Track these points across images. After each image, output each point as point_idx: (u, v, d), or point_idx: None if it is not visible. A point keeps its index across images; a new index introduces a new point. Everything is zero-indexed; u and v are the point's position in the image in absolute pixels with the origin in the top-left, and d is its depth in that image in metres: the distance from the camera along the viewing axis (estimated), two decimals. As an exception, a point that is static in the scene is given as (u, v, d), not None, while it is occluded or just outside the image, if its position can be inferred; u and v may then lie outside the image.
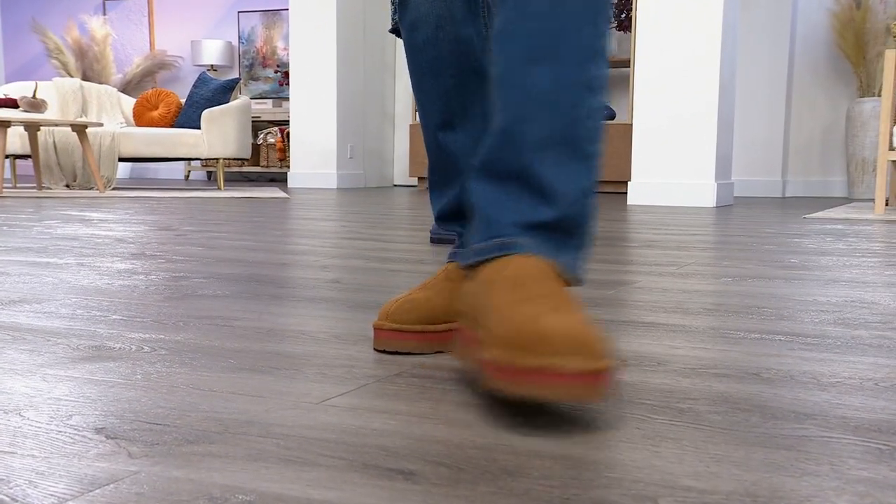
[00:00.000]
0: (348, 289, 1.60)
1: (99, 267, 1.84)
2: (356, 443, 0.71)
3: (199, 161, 9.55)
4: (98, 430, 0.72)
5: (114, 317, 1.26)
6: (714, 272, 1.89)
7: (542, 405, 0.83)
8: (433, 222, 2.55)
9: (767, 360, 1.04)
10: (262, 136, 8.98)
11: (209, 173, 9.84)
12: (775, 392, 0.89)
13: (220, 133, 5.99)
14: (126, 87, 9.53)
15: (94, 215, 3.47)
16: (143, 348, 1.06)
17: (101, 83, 9.35)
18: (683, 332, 1.21)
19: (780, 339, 1.16)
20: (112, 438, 0.70)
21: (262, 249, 2.27)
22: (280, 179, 9.62)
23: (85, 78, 9.40)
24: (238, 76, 9.66)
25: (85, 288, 1.54)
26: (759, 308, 1.42)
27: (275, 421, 0.77)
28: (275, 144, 8.88)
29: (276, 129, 8.96)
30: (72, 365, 0.96)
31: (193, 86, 6.45)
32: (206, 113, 5.96)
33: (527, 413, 0.81)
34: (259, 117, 8.99)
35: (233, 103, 6.13)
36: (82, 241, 2.42)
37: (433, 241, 2.51)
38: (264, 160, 8.91)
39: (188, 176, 9.55)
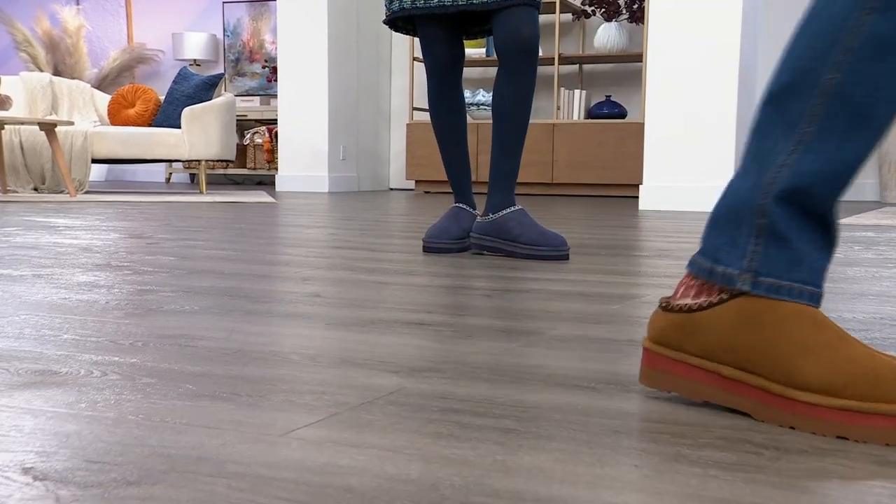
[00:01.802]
0: (329, 304, 1.57)
1: (57, 279, 1.81)
2: (318, 483, 0.68)
3: (180, 163, 9.53)
4: (25, 471, 0.69)
5: (65, 336, 1.23)
6: (730, 285, 1.86)
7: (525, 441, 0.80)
8: (427, 229, 2.52)
9: (785, 385, 1.01)
10: (248, 135, 8.97)
11: (192, 176, 9.82)
12: (792, 423, 0.86)
13: (201, 133, 5.97)
14: (101, 83, 9.52)
15: (61, 221, 3.44)
16: (92, 372, 1.02)
17: (73, 78, 9.34)
18: (693, 353, 1.17)
19: (799, 362, 1.13)
20: (40, 480, 0.67)
21: (240, 260, 2.25)
22: (268, 182, 9.60)
23: (56, 73, 9.39)
24: (222, 71, 9.65)
25: (38, 303, 1.51)
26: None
27: (230, 457, 0.74)
28: (262, 145, 8.86)
29: (263, 128, 8.94)
30: (8, 392, 0.93)
31: (174, 82, 6.44)
32: (186, 111, 5.94)
33: (507, 451, 0.77)
34: (245, 116, 8.98)
35: (216, 101, 6.11)
36: (43, 250, 2.39)
37: (427, 249, 2.48)
38: (251, 162, 8.90)
39: (169, 179, 9.54)
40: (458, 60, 2.48)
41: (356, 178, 7.87)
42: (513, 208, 2.37)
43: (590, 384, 1.01)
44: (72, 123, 5.27)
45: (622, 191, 7.01)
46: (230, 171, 8.96)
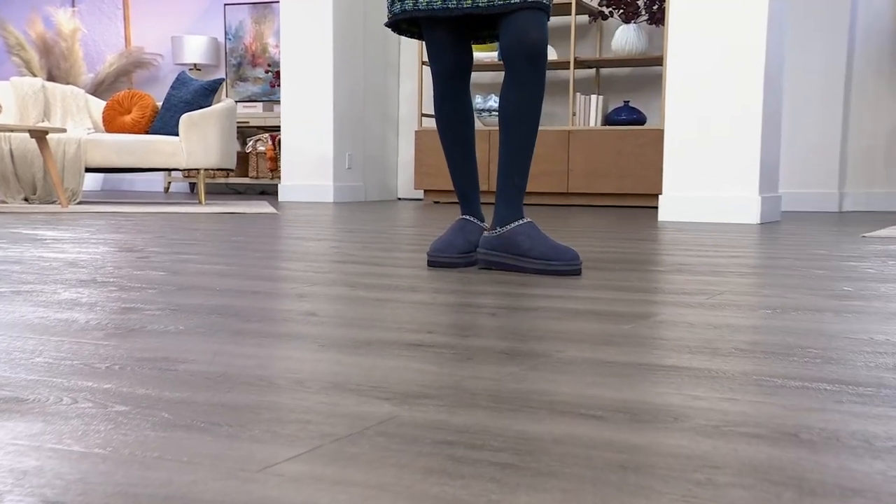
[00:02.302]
0: (324, 323, 1.54)
1: (37, 297, 1.79)
2: (293, 525, 0.65)
3: (179, 172, 9.54)
4: (-27, 511, 0.66)
5: (38, 360, 1.21)
6: (751, 303, 1.83)
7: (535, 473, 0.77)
8: (432, 242, 2.50)
9: (809, 416, 0.97)
10: (251, 143, 8.97)
11: (192, 185, 9.84)
12: (816, 459, 0.82)
13: (200, 140, 5.97)
14: (97, 89, 9.55)
15: (49, 234, 3.43)
16: (62, 399, 1.00)
17: (68, 84, 9.37)
18: (709, 377, 1.14)
19: (825, 389, 1.09)
20: (-11, 522, 0.64)
21: (234, 275, 2.22)
22: (271, 192, 9.60)
23: (50, 77, 9.42)
24: (223, 76, 9.67)
25: (12, 323, 1.49)
26: (802, 348, 1.35)
27: (200, 496, 0.71)
28: (265, 153, 8.86)
29: (266, 135, 8.95)
30: (-31, 422, 0.91)
31: (171, 87, 6.44)
32: (184, 118, 5.94)
33: (503, 490, 0.74)
34: (247, 123, 8.99)
35: (215, 107, 6.11)
36: (26, 264, 2.37)
37: (431, 264, 2.45)
38: (253, 171, 8.90)
39: (168, 188, 9.55)
40: (466, 65, 2.46)
41: (362, 187, 7.86)
42: (521, 221, 2.34)
43: (596, 412, 0.98)
44: (64, 131, 5.27)
45: (641, 201, 6.97)
46: (232, 180, 8.96)
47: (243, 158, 9.11)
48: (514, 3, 2.25)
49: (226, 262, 2.51)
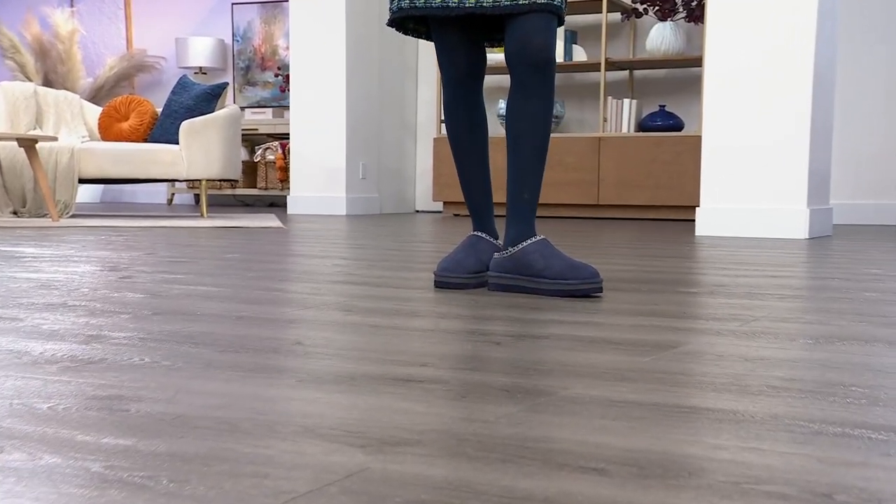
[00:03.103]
0: (309, 353, 1.48)
1: (-3, 323, 1.74)
2: None
3: (183, 183, 9.54)
4: None
5: (-27, 397, 1.15)
6: (790, 331, 1.75)
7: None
8: (440, 261, 2.44)
9: (847, 472, 0.90)
10: (259, 152, 8.96)
11: (196, 197, 9.83)
12: (849, 525, 0.75)
13: (201, 149, 5.94)
14: (97, 94, 9.58)
15: (29, 251, 3.40)
16: (-13, 447, 0.94)
17: (66, 88, 9.40)
18: (734, 422, 1.07)
19: (869, 437, 1.02)
20: None
21: (220, 297, 2.17)
22: (281, 204, 9.58)
23: (47, 82, 9.45)
24: (227, 80, 9.67)
25: (-39, 353, 1.43)
26: (844, 386, 1.27)
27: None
28: (274, 162, 8.85)
29: (276, 143, 8.93)
30: None
31: (172, 92, 6.43)
32: (185, 125, 5.92)
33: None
34: (256, 130, 8.98)
35: (218, 113, 6.09)
36: (-4, 286, 2.33)
37: (438, 285, 2.39)
38: (262, 181, 8.88)
39: (171, 200, 9.55)
40: (478, 68, 2.40)
41: (378, 199, 7.81)
42: (533, 239, 2.28)
43: (599, 465, 0.91)
44: (55, 139, 5.26)
45: (678, 213, 6.88)
46: (239, 191, 8.95)
47: (252, 168, 9.09)
48: (522, 4, 2.19)
49: (215, 283, 2.45)
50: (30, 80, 9.38)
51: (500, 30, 2.46)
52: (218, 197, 9.86)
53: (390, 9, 2.37)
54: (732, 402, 1.17)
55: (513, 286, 2.30)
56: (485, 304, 2.11)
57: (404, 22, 2.43)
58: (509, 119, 2.28)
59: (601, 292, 2.22)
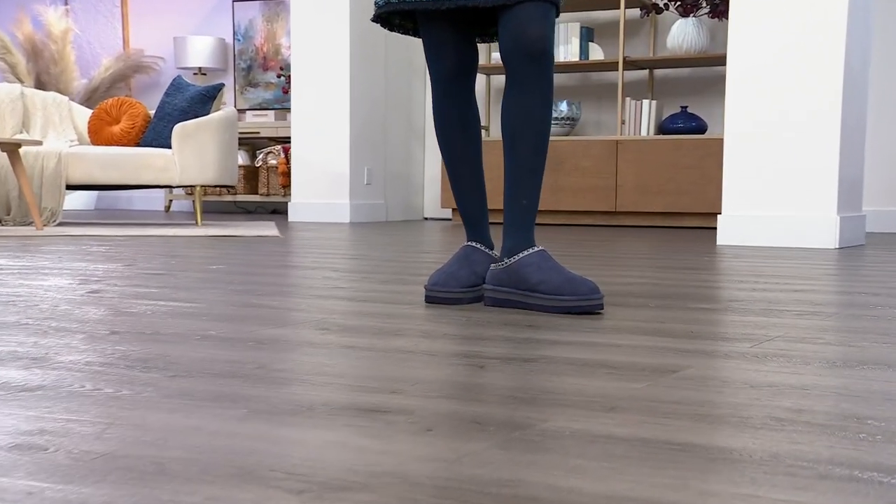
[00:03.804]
0: (269, 379, 1.40)
1: (-64, 343, 1.68)
2: None
3: (181, 189, 9.50)
4: None
5: None
6: (806, 353, 1.66)
7: None
8: (431, 274, 2.36)
9: (848, 522, 0.81)
10: (261, 156, 8.90)
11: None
12: None
13: (195, 153, 5.89)
14: (92, 96, 9.55)
15: (0, 262, 3.34)
16: None
17: (59, 90, 9.38)
18: (728, 461, 0.98)
19: (880, 482, 0.93)
20: None
21: (190, 314, 2.10)
22: (285, 211, 9.53)
23: (39, 83, 9.44)
24: (228, 81, 9.63)
25: None
26: (859, 419, 1.19)
27: None
28: (277, 167, 8.79)
29: (279, 147, 8.88)
30: None
31: (165, 93, 6.38)
32: (177, 128, 5.87)
33: None
34: (258, 133, 8.93)
35: (213, 115, 6.04)
36: (-49, 301, 2.27)
37: (429, 300, 2.31)
38: (264, 187, 8.82)
39: (169, 207, 9.51)
40: (469, 66, 2.33)
41: (384, 206, 7.75)
42: (531, 250, 2.20)
43: (566, 516, 0.83)
44: (40, 143, 5.21)
45: (701, 221, 6.79)
46: (240, 198, 8.89)
47: (253, 173, 9.04)
48: None
49: (188, 298, 2.38)
50: (21, 81, 9.36)
51: (494, 23, 2.39)
52: (217, 204, 9.81)
53: (376, 3, 2.30)
54: (730, 437, 1.09)
55: (507, 301, 2.22)
56: (477, 321, 2.04)
57: (390, 17, 2.36)
58: (504, 117, 2.22)
59: (601, 309, 2.14)
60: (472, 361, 1.57)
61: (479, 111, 8.10)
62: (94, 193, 10.05)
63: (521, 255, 2.20)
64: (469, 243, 2.40)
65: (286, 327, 1.93)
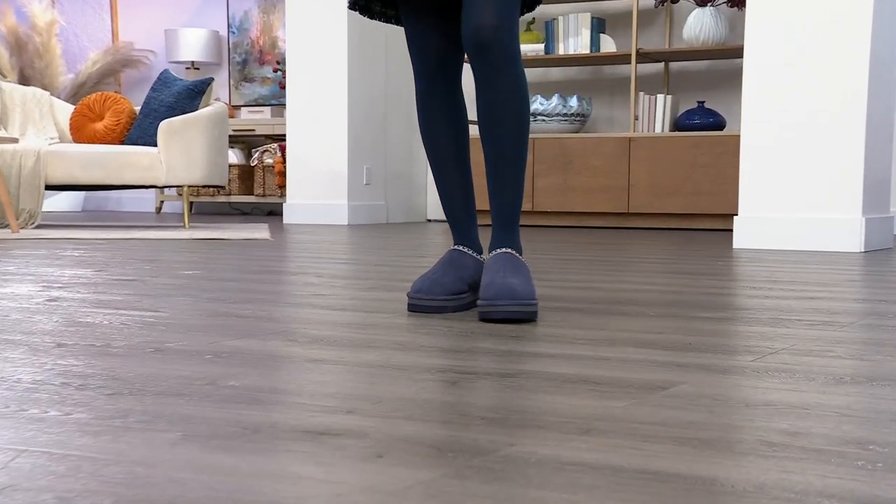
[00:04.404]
0: (217, 398, 1.34)
1: None
2: None
3: (173, 190, 9.46)
4: None
5: None
6: (812, 367, 1.59)
7: None
8: (415, 280, 2.30)
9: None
10: (256, 155, 8.86)
11: (190, 205, 9.72)
12: None
13: (182, 152, 5.84)
14: (79, 91, 9.52)
15: (-36, 268, 3.30)
16: None
17: (43, 85, 9.35)
18: (706, 493, 0.92)
19: (872, 515, 0.86)
20: None
21: (149, 325, 2.04)
22: (282, 212, 9.48)
23: (23, 78, 9.41)
24: (222, 76, 9.59)
25: None
26: (861, 444, 1.12)
27: None
28: (273, 166, 8.74)
29: (275, 146, 8.84)
30: None
31: (152, 88, 6.34)
32: (163, 125, 5.82)
33: None
34: (253, 130, 8.89)
35: (201, 111, 5.99)
36: None
37: (412, 308, 2.25)
38: (259, 187, 8.77)
39: (160, 209, 9.47)
40: (454, 57, 2.28)
41: (384, 207, 7.69)
42: (499, 251, 2.19)
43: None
44: (15, 140, 5.17)
45: (718, 223, 6.71)
46: (235, 199, 8.85)
47: (248, 173, 9.00)
48: None
49: (153, 307, 2.33)
50: (4, 75, 9.34)
51: None
52: (211, 205, 9.77)
53: None
54: (712, 464, 1.02)
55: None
56: (459, 332, 1.97)
57: (370, 4, 2.31)
58: (478, 116, 2.19)
59: (518, 320, 2.11)
60: (445, 377, 1.50)
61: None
62: (82, 194, 10.01)
63: (491, 255, 2.19)
64: (456, 247, 2.34)
65: (250, 338, 1.86)
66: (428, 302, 2.23)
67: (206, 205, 9.80)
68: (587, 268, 3.51)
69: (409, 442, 1.11)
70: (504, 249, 2.19)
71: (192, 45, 9.25)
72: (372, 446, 1.09)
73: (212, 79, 6.21)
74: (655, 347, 1.78)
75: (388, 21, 2.35)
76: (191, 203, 9.71)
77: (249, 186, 9.01)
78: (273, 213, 9.50)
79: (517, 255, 2.19)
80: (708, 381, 1.47)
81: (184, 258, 3.79)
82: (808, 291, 2.77)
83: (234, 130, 8.89)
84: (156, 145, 6.01)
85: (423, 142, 2.35)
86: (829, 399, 1.35)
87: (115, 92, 9.92)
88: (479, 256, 2.34)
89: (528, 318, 2.09)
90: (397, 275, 3.20)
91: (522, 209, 7.09)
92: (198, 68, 9.42)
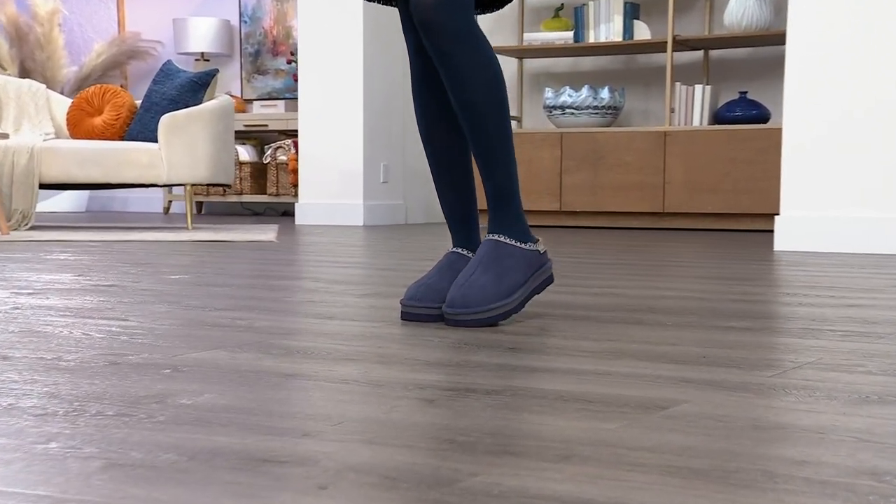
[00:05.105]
0: (159, 418, 1.27)
1: None
2: None
3: (181, 188, 9.44)
4: None
5: None
6: (837, 384, 1.51)
7: None
8: (409, 286, 2.23)
9: None
10: (269, 151, 8.82)
11: (199, 205, 9.72)
12: None
13: (185, 148, 5.80)
14: (82, 85, 9.53)
15: (-65, 272, 3.26)
16: None
17: (45, 78, 9.36)
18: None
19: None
20: None
21: (114, 335, 1.99)
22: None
23: (24, 70, 9.42)
24: (228, 68, 9.56)
25: None
26: (875, 475, 1.03)
27: None
28: (287, 164, 8.70)
29: (289, 142, 8.80)
30: None
31: (153, 81, 6.30)
32: (165, 119, 5.78)
33: None
34: (266, 126, 8.85)
35: (205, 105, 5.94)
36: None
37: (405, 317, 2.18)
38: (273, 186, 8.73)
39: (168, 209, 9.46)
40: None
41: (403, 206, 7.63)
42: (488, 237, 2.18)
43: None
44: (6, 136, 5.14)
45: (761, 223, 6.61)
46: (248, 198, 8.81)
47: (261, 171, 8.96)
48: None
49: (125, 315, 2.27)
50: (3, 68, 9.35)
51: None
52: (221, 205, 9.75)
53: None
54: (699, 498, 0.94)
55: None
56: (452, 343, 1.90)
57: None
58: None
59: (494, 324, 2.09)
60: (423, 394, 1.43)
61: (511, 99, 7.99)
62: (86, 194, 10.01)
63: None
64: (454, 249, 2.26)
65: (220, 350, 1.80)
66: (421, 310, 2.15)
67: (217, 205, 9.78)
68: (610, 272, 3.42)
69: (361, 471, 1.04)
70: (493, 236, 2.15)
71: (202, 35, 9.23)
72: (317, 476, 1.02)
73: (216, 70, 6.17)
74: (664, 361, 1.70)
75: (386, 3, 2.28)
76: (200, 203, 9.70)
77: (262, 185, 8.97)
78: (287, 213, 9.46)
79: (508, 240, 2.15)
80: (715, 399, 1.39)
81: (176, 262, 3.74)
82: (847, 298, 2.68)
83: (246, 126, 8.86)
84: (157, 141, 5.97)
85: (420, 131, 2.29)
86: (849, 421, 1.26)
87: (122, 85, 9.93)
88: (478, 259, 2.27)
89: (480, 325, 2.09)
90: (401, 280, 3.13)
91: (548, 209, 7.03)
92: (208, 60, 9.40)
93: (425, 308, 2.15)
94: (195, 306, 2.43)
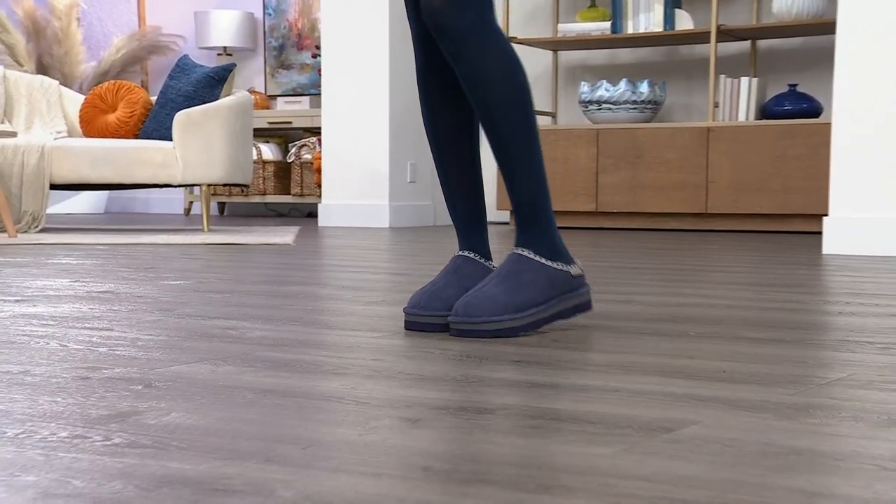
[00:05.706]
0: (111, 442, 1.22)
1: None
2: None
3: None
4: None
5: None
6: (865, 404, 1.43)
7: None
8: (413, 294, 2.17)
9: None
10: (293, 150, 8.80)
11: (221, 206, 9.72)
12: None
13: (201, 146, 5.78)
14: (101, 80, 9.55)
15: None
16: None
17: (62, 74, 9.39)
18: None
19: None
20: None
21: (92, 345, 1.95)
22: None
23: (41, 66, 9.46)
24: (251, 62, 9.55)
25: None
26: (893, 507, 0.96)
27: None
28: (311, 162, 8.68)
29: (314, 140, 8.78)
30: None
31: (169, 76, 6.29)
32: (179, 116, 5.76)
33: None
34: (290, 123, 8.84)
35: (222, 101, 5.92)
36: None
37: (408, 326, 2.12)
38: (297, 186, 8.70)
39: (189, 210, 9.45)
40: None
41: (431, 207, 7.59)
42: (511, 251, 2.12)
43: None
44: (14, 134, 5.13)
45: (812, 224, 6.51)
46: (271, 199, 8.79)
47: (285, 170, 8.94)
48: None
49: (110, 325, 2.23)
50: (20, 63, 9.39)
51: None
52: (244, 206, 9.74)
53: None
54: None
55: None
56: (455, 355, 1.84)
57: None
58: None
59: (488, 335, 2.04)
60: (408, 413, 1.37)
61: (545, 93, 7.93)
62: (105, 194, 10.03)
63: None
64: (461, 253, 2.20)
65: (201, 363, 1.75)
66: (426, 319, 2.10)
67: (239, 206, 9.77)
68: (640, 277, 3.35)
69: (318, 503, 0.98)
70: (517, 250, 2.09)
71: (225, 28, 9.22)
72: (267, 508, 0.96)
73: (234, 64, 6.14)
74: (679, 376, 1.63)
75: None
76: (223, 204, 9.70)
77: (286, 185, 8.95)
78: (312, 214, 9.44)
79: (532, 255, 2.08)
80: (727, 420, 1.32)
81: (181, 266, 3.70)
82: (893, 307, 2.60)
83: (270, 123, 8.85)
84: (172, 139, 5.95)
85: (425, 126, 2.24)
86: (871, 447, 1.19)
87: (142, 81, 9.96)
88: (487, 263, 2.21)
89: (484, 336, 2.04)
90: (414, 286, 3.07)
91: (584, 210, 6.96)
92: (230, 54, 9.39)
93: (430, 317, 2.09)
94: (189, 314, 2.39)
